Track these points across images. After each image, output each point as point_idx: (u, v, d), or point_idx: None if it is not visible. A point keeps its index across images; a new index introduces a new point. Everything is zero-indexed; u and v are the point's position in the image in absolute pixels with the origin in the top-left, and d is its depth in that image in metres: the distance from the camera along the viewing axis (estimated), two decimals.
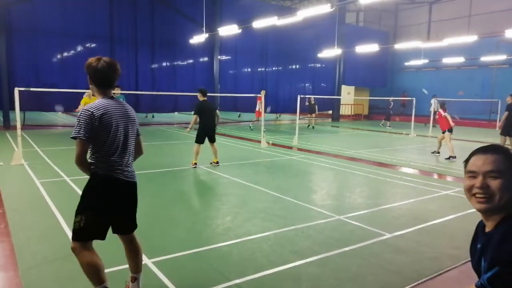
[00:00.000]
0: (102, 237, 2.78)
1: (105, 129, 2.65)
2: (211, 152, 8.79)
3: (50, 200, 5.69)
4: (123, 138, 2.77)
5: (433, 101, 18.69)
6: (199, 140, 8.50)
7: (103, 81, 2.71)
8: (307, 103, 19.20)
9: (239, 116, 23.76)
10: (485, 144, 1.47)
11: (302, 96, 14.65)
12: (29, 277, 3.38)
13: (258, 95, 16.49)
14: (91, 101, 11.33)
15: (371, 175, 8.14)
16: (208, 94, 8.79)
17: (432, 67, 27.35)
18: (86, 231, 2.69)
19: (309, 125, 19.69)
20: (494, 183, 1.37)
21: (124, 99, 13.09)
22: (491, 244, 1.37)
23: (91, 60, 2.67)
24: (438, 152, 10.89)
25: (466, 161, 1.48)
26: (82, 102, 10.99)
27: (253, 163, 9.34)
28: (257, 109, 17.23)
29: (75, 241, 2.70)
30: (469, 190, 1.44)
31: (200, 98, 8.52)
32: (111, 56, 16.91)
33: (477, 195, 1.41)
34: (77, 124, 2.58)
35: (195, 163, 8.55)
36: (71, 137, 2.60)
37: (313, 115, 19.61)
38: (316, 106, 19.60)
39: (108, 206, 2.76)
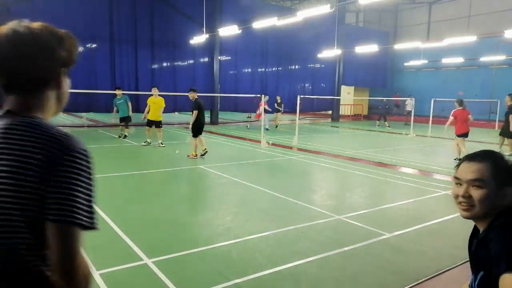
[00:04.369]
0: None
1: None
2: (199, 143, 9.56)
3: None
4: None
5: (408, 101, 18.64)
6: (196, 134, 9.40)
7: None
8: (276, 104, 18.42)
9: (248, 117, 23.54)
10: (479, 148, 1.47)
11: (302, 96, 14.66)
12: None
13: (257, 95, 16.62)
14: (157, 100, 10.83)
15: (371, 175, 8.14)
16: (209, 95, 9.07)
17: (432, 67, 27.37)
18: None
19: (277, 126, 18.69)
20: (476, 193, 1.38)
21: (126, 100, 12.86)
22: (480, 247, 1.39)
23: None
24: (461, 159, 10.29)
25: (456, 167, 1.49)
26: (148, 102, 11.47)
27: (253, 163, 9.34)
28: (258, 112, 17.26)
29: None
30: (455, 197, 1.45)
31: (195, 96, 9.49)
32: (111, 56, 17.07)
33: (462, 203, 1.42)
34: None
35: (196, 155, 9.41)
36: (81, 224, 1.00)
37: (278, 114, 18.89)
38: (282, 105, 18.99)
39: None
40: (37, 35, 1.05)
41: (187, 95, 9.86)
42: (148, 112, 11.37)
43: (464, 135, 9.65)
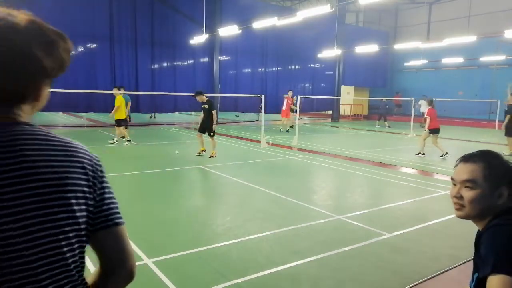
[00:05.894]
0: None
1: None
2: (200, 143, 9.81)
3: None
4: None
5: (421, 101, 18.57)
6: (214, 133, 9.68)
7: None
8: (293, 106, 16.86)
9: (237, 116, 23.70)
10: (478, 148, 1.48)
11: (302, 96, 14.64)
12: None
13: (257, 95, 16.54)
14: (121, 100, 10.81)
15: (371, 175, 8.14)
16: (209, 95, 9.11)
17: (432, 67, 27.36)
18: None
19: (292, 126, 17.33)
20: (467, 194, 1.39)
21: (127, 100, 12.75)
22: (476, 248, 1.40)
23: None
24: (446, 153, 10.23)
25: (455, 168, 1.49)
26: (118, 103, 11.28)
27: (253, 163, 9.34)
28: (283, 108, 16.90)
29: None
30: (451, 197, 1.47)
31: (203, 98, 9.48)
32: (111, 56, 17.05)
33: (455, 204, 1.44)
34: None
35: (215, 152, 9.67)
36: None
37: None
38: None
39: None
40: (22, 35, 0.85)
41: (187, 96, 9.89)
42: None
43: (437, 130, 10.35)
